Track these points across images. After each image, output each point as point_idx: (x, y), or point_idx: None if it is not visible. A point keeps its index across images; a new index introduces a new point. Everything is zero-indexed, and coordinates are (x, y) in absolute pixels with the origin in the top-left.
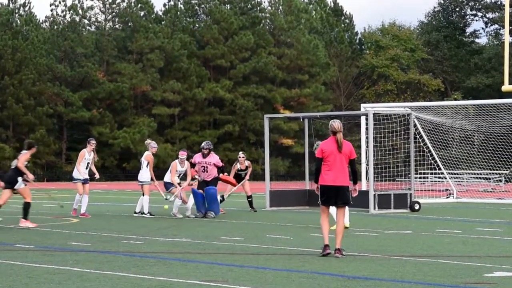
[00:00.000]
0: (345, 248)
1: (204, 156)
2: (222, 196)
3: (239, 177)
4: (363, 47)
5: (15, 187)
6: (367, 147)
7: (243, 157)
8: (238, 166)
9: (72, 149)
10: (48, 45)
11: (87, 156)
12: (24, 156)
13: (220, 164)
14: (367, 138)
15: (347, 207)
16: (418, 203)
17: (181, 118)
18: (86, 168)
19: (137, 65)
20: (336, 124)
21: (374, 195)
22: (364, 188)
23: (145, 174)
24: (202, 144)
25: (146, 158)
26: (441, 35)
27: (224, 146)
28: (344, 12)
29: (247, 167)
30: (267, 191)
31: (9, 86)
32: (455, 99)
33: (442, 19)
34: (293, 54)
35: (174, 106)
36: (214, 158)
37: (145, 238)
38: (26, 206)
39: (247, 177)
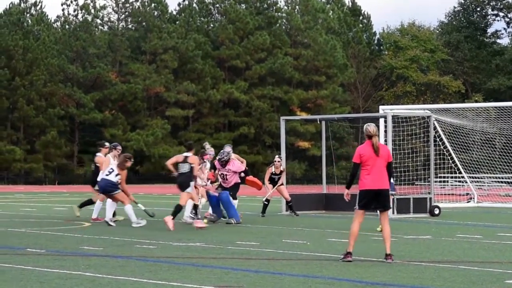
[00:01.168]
0: (362, 253)
1: (223, 165)
2: (267, 200)
3: (273, 181)
4: (381, 47)
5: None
6: None
7: (279, 161)
8: (273, 169)
9: (84, 151)
10: (60, 45)
11: (112, 162)
12: (197, 161)
13: (241, 169)
14: (385, 141)
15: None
16: (438, 207)
17: (195, 120)
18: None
19: (151, 66)
20: (371, 127)
21: (393, 199)
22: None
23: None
24: (218, 157)
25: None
26: (462, 36)
27: (239, 149)
28: (362, 12)
29: (281, 172)
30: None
31: (20, 87)
32: (476, 101)
33: (462, 19)
34: (310, 55)
35: (188, 108)
36: (234, 166)
37: (158, 243)
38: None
39: (281, 181)
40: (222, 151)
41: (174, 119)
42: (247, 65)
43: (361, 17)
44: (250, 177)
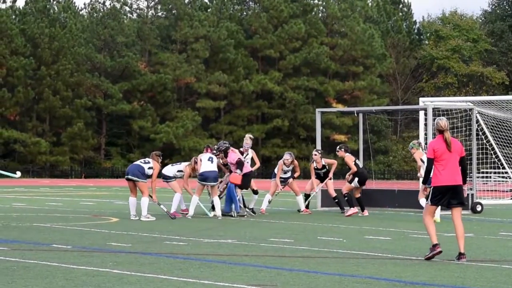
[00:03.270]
0: (401, 251)
1: (225, 155)
2: (308, 195)
3: (319, 177)
4: (422, 37)
5: None
6: (426, 144)
7: (316, 155)
8: (314, 165)
9: (112, 144)
10: (87, 33)
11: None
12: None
13: (235, 161)
14: (425, 134)
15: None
16: (481, 204)
17: (227, 111)
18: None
19: (181, 55)
20: (443, 122)
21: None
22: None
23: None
24: (215, 146)
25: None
26: (506, 25)
27: (272, 142)
28: None
29: (324, 166)
30: (318, 190)
31: (46, 77)
32: None
33: (507, 7)
34: (347, 44)
35: (220, 99)
36: (231, 157)
37: (188, 239)
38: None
39: (331, 174)
40: (222, 141)
41: (205, 111)
42: (281, 55)
43: (401, 5)
44: (233, 176)
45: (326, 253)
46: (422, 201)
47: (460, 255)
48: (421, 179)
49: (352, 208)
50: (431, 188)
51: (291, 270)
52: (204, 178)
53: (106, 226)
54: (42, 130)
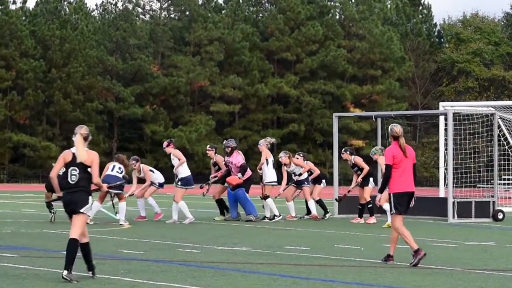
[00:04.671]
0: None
1: (228, 155)
2: (339, 198)
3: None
4: (442, 40)
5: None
6: (446, 150)
7: (298, 158)
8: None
9: (123, 148)
10: (99, 35)
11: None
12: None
13: (239, 164)
14: (446, 140)
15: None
16: (502, 212)
17: (241, 116)
18: None
19: (195, 58)
20: (398, 128)
21: (454, 202)
22: (442, 194)
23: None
24: (224, 142)
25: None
26: None
27: (288, 147)
28: (422, 1)
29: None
30: (335, 197)
31: (57, 80)
32: None
33: None
34: (365, 47)
35: (234, 103)
36: (235, 158)
37: (202, 247)
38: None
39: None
40: (229, 139)
41: (219, 115)
42: (298, 57)
43: (420, 7)
44: (231, 178)
45: (344, 261)
46: (386, 205)
47: (388, 257)
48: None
49: (372, 217)
50: (391, 195)
51: (308, 279)
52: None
53: (118, 233)
54: (52, 134)
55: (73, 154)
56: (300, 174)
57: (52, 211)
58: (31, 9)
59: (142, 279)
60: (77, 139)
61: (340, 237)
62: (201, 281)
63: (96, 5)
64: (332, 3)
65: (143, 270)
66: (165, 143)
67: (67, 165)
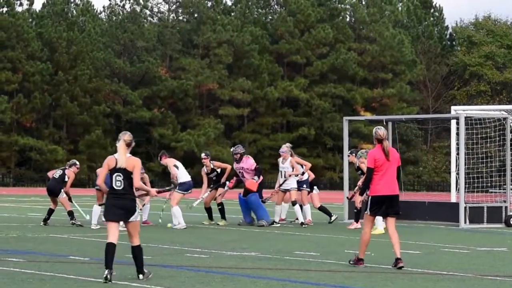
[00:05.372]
0: (431, 265)
1: (237, 161)
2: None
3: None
4: (454, 43)
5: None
6: (458, 154)
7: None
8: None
9: (131, 152)
10: (106, 37)
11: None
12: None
13: (253, 167)
14: (457, 144)
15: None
16: None
17: (250, 119)
18: None
19: (203, 61)
20: (382, 131)
21: (465, 208)
22: (454, 200)
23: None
24: (232, 149)
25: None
26: None
27: (297, 151)
28: (433, 4)
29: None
30: (345, 202)
31: (63, 83)
32: None
33: None
34: (376, 50)
35: (243, 106)
36: (246, 163)
37: (210, 252)
38: None
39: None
40: (236, 145)
41: (227, 119)
42: (308, 60)
43: (432, 10)
44: (251, 183)
45: (353, 267)
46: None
47: (397, 260)
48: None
49: (356, 223)
50: (369, 197)
51: (317, 285)
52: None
53: (125, 238)
54: (59, 138)
55: (116, 160)
56: (303, 173)
57: (74, 221)
58: (37, 11)
59: (149, 284)
60: (120, 145)
61: (350, 242)
62: (210, 286)
63: (103, 7)
64: (343, 5)
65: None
66: (159, 158)
67: (111, 171)
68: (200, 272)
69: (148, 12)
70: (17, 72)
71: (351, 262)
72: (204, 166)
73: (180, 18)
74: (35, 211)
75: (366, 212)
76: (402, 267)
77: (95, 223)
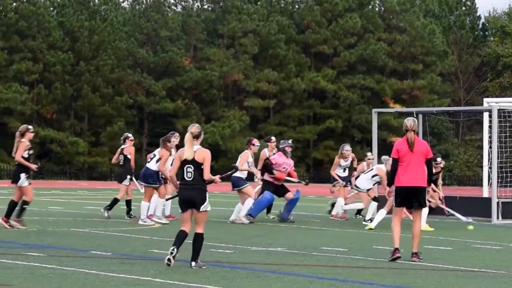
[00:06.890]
0: (463, 262)
1: (288, 155)
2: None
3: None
4: (486, 33)
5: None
6: (490, 147)
7: (370, 159)
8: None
9: (154, 144)
10: (129, 27)
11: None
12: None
13: (281, 164)
14: (490, 137)
15: (424, 209)
16: None
17: (276, 111)
18: None
19: (228, 51)
20: (409, 122)
21: (498, 203)
22: (486, 194)
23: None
24: (288, 142)
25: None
26: None
27: (324, 144)
28: None
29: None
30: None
31: (85, 73)
32: None
33: None
34: (406, 41)
35: (269, 98)
36: (289, 160)
37: (235, 247)
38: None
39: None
40: (286, 140)
41: (253, 110)
42: (335, 51)
43: None
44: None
45: (382, 263)
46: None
47: (413, 254)
48: None
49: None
50: (394, 189)
51: (345, 281)
52: None
53: (148, 232)
54: (80, 129)
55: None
56: (344, 170)
57: (130, 213)
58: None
59: (173, 280)
60: (187, 137)
61: (378, 238)
62: (234, 282)
63: None
64: None
65: (174, 270)
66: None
67: (183, 163)
68: (224, 268)
69: (172, 0)
70: (37, 62)
71: (389, 260)
72: (267, 150)
73: (205, 7)
74: (56, 205)
75: (393, 204)
76: (399, 257)
77: (143, 218)
